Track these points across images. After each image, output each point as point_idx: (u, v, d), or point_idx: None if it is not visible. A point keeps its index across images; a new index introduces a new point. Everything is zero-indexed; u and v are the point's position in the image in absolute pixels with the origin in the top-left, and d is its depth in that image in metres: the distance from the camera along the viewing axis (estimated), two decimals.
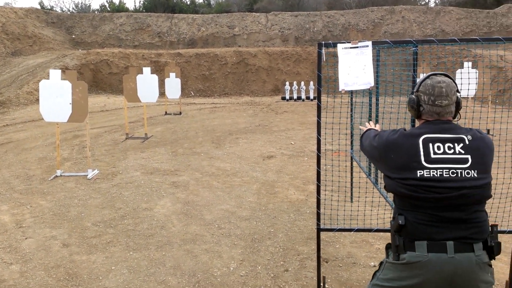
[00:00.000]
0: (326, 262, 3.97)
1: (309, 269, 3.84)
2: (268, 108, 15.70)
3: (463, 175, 1.91)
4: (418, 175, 1.93)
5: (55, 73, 6.86)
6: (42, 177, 6.85)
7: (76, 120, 6.88)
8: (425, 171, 1.92)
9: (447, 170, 1.91)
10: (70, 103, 6.77)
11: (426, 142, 1.97)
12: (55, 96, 6.77)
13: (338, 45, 2.87)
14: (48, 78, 6.90)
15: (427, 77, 2.09)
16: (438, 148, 1.95)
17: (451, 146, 1.95)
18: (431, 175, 1.91)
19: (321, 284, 3.06)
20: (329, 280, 3.61)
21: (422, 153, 1.95)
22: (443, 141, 1.97)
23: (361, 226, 3.75)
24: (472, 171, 1.91)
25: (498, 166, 3.49)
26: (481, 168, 1.93)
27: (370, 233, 4.52)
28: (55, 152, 7.84)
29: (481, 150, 1.96)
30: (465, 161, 1.93)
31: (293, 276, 3.72)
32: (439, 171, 1.91)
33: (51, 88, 6.78)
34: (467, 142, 1.96)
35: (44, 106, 6.81)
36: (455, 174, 1.91)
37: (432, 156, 1.94)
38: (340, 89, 2.93)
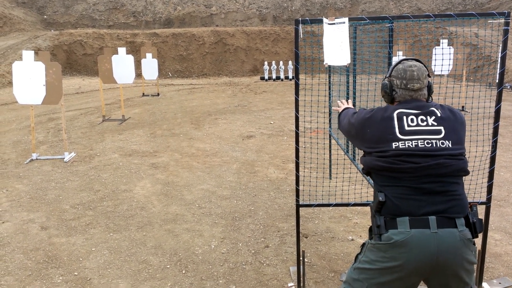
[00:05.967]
0: (306, 237, 4.05)
1: (289, 244, 3.91)
2: (247, 88, 15.63)
3: (438, 145, 1.95)
4: (394, 147, 1.97)
5: (28, 54, 6.67)
6: (17, 161, 6.71)
7: (50, 102, 6.74)
8: (400, 142, 1.96)
9: (422, 141, 1.95)
10: (44, 85, 6.62)
11: (400, 116, 2.02)
12: (29, 77, 6.61)
13: (324, 19, 2.88)
14: (20, 60, 6.72)
15: (399, 62, 2.15)
16: (412, 120, 2.00)
17: (424, 118, 2.00)
18: (406, 146, 1.95)
19: (301, 258, 3.12)
20: (308, 254, 3.69)
21: (396, 125, 2.00)
22: (416, 115, 2.02)
23: (340, 202, 3.81)
24: (447, 141, 1.96)
25: (471, 140, 3.59)
26: (454, 139, 1.98)
27: (348, 208, 4.62)
28: (30, 136, 7.68)
29: (452, 122, 2.02)
30: (438, 132, 1.97)
31: (274, 252, 3.79)
32: (414, 142, 1.95)
33: (24, 70, 6.61)
34: (439, 115, 2.02)
35: (18, 88, 6.64)
36: (430, 144, 1.95)
37: (406, 128, 1.98)
38: (324, 63, 2.97)
